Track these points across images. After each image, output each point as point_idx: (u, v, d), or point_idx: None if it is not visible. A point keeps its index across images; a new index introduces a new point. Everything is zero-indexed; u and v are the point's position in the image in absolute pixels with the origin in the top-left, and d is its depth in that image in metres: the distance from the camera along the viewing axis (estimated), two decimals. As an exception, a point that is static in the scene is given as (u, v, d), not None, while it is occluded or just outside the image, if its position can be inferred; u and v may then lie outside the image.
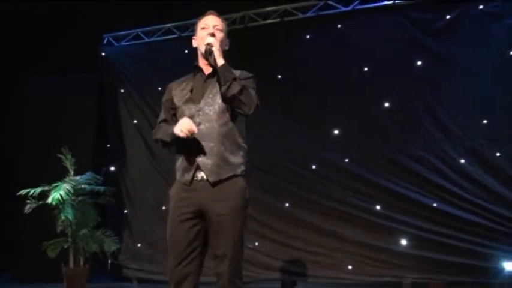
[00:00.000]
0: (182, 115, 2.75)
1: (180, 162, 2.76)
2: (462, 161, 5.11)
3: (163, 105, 2.92)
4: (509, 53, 5.00)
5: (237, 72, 2.79)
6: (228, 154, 2.67)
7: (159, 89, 6.03)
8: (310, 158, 5.59)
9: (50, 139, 6.18)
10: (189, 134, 2.58)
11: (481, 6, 5.12)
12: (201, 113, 2.70)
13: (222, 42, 2.80)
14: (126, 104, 6.56)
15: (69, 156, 5.65)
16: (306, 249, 5.48)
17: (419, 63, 5.32)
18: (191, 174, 2.68)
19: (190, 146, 2.66)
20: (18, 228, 6.20)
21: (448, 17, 5.23)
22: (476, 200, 5.00)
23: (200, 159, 2.66)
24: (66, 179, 5.55)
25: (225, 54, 2.82)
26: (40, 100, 6.55)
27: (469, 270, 4.88)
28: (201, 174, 2.66)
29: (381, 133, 5.40)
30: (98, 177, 5.81)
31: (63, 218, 5.40)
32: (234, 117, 2.69)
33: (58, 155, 5.65)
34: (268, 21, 5.95)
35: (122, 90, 6.59)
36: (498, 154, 4.99)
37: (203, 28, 2.82)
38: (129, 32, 6.59)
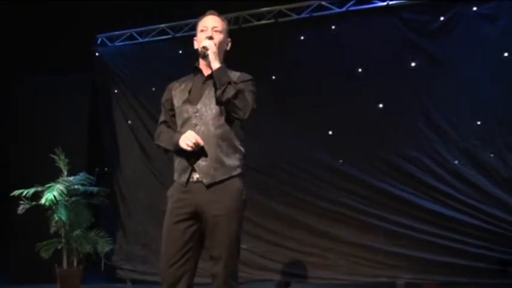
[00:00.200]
0: (180, 116, 2.75)
1: (177, 163, 2.76)
2: (455, 161, 5.13)
3: (163, 106, 2.92)
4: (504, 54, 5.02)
5: (237, 74, 2.79)
6: (224, 156, 2.67)
7: (153, 89, 6.04)
8: (305, 159, 5.60)
9: (43, 139, 6.16)
10: (194, 147, 2.58)
11: (475, 8, 5.13)
12: (198, 114, 2.70)
13: (221, 44, 2.79)
14: (120, 105, 6.54)
15: (62, 157, 5.63)
16: (301, 250, 5.48)
17: (413, 64, 5.34)
18: (187, 175, 2.68)
19: None
20: (11, 229, 6.17)
21: (442, 18, 5.24)
22: (470, 201, 5.02)
23: (196, 161, 2.66)
24: (60, 180, 5.52)
25: (226, 54, 2.83)
26: (33, 100, 6.52)
27: (462, 271, 4.91)
28: (196, 176, 2.67)
29: (374, 134, 5.41)
30: (91, 177, 5.79)
31: (56, 218, 5.38)
32: (230, 119, 2.68)
33: (51, 155, 5.63)
34: (263, 22, 5.95)
35: (116, 91, 6.57)
36: (491, 155, 5.01)
37: (202, 30, 2.81)
38: (123, 32, 6.56)
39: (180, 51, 5.70)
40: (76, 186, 5.62)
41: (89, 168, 6.03)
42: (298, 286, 5.43)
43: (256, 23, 5.98)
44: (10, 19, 6.15)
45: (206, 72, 2.79)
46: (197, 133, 2.65)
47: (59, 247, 5.50)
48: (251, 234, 5.51)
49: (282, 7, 5.83)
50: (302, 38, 5.79)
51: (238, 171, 2.71)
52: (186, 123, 2.72)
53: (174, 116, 2.84)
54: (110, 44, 6.68)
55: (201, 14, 2.90)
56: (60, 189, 5.35)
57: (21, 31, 6.25)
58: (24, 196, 5.34)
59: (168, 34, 6.37)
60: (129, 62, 6.57)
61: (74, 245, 5.54)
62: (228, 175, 2.66)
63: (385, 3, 5.46)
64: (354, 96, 5.49)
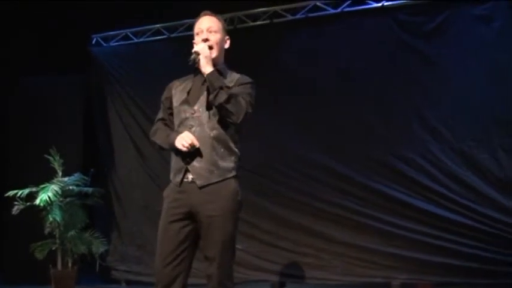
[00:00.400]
0: (178, 116, 2.76)
1: (173, 162, 2.77)
2: (450, 162, 5.13)
3: (162, 104, 2.92)
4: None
5: (236, 76, 2.79)
6: (219, 159, 2.66)
7: (148, 89, 6.03)
8: (300, 159, 5.60)
9: (38, 140, 6.14)
10: (190, 148, 2.58)
11: (470, 9, 5.15)
12: (194, 116, 2.70)
13: (218, 43, 2.79)
14: (115, 105, 6.52)
15: (57, 157, 5.62)
16: (296, 251, 5.49)
17: (408, 65, 5.35)
18: (181, 175, 2.68)
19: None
20: (5, 230, 6.14)
21: (437, 19, 5.25)
22: (464, 202, 5.03)
23: (190, 162, 2.66)
24: (54, 180, 5.51)
25: (226, 52, 2.83)
26: (28, 100, 6.49)
27: (456, 271, 4.92)
28: (191, 176, 2.67)
29: (369, 135, 5.41)
30: (86, 178, 5.77)
31: (51, 219, 5.36)
32: (226, 122, 2.68)
33: (46, 156, 5.61)
34: (258, 22, 5.95)
35: (111, 91, 6.56)
36: (486, 156, 5.02)
37: (197, 33, 2.81)
38: (118, 32, 6.55)
39: (175, 52, 5.69)
40: (71, 187, 5.61)
41: (84, 168, 6.01)
42: (294, 286, 5.43)
43: (251, 23, 5.98)
44: (5, 20, 6.13)
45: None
46: (193, 134, 2.65)
47: (54, 248, 5.48)
48: (246, 234, 5.50)
49: (277, 8, 5.83)
50: (297, 38, 5.79)
51: (233, 173, 2.71)
52: (183, 124, 2.73)
53: (172, 114, 2.84)
54: (104, 44, 6.67)
55: (197, 14, 2.89)
56: (55, 190, 5.33)
57: (14, 31, 6.23)
58: (19, 197, 5.32)
59: (163, 34, 6.36)
60: (124, 62, 6.56)
61: (69, 246, 5.52)
62: (222, 177, 2.66)
63: (380, 5, 5.47)
64: (348, 97, 5.50)
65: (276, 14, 5.87)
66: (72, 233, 5.54)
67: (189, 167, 2.66)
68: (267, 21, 5.90)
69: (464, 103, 5.11)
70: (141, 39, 6.48)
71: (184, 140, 2.61)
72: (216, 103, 2.61)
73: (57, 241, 5.48)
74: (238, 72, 2.90)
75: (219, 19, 2.88)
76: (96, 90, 6.66)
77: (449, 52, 5.20)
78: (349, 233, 5.35)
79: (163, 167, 5.75)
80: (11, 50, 6.25)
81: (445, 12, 5.22)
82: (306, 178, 5.56)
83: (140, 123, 6.31)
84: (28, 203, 5.31)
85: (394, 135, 5.34)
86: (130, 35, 6.52)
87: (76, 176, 5.70)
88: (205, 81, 2.73)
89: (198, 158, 2.65)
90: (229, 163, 2.70)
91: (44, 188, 5.35)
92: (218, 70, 2.78)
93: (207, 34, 2.78)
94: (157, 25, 6.34)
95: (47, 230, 5.48)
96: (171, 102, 2.85)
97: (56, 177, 5.58)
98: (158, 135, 2.85)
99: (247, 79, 2.82)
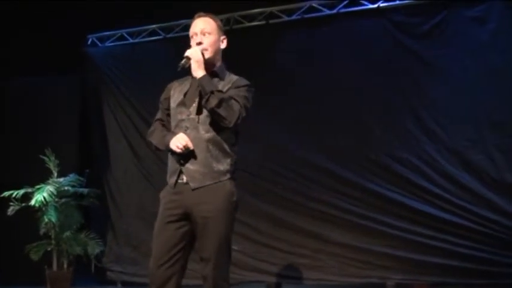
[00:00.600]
0: (174, 118, 2.76)
1: (169, 164, 2.77)
2: (445, 163, 5.14)
3: (160, 104, 2.93)
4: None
5: (234, 78, 2.79)
6: (214, 161, 2.66)
7: (144, 90, 6.03)
8: (295, 160, 5.60)
9: (33, 140, 6.13)
10: (184, 150, 2.58)
11: (465, 11, 5.16)
12: (190, 118, 2.70)
13: (213, 45, 2.78)
14: (110, 105, 6.51)
15: (52, 158, 5.61)
16: (291, 251, 5.48)
17: (403, 66, 5.35)
18: (175, 177, 2.68)
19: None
20: (0, 231, 6.12)
21: (432, 20, 5.26)
22: (459, 202, 5.03)
23: (184, 164, 2.65)
24: (50, 181, 5.51)
25: (222, 53, 2.83)
26: (23, 100, 6.48)
27: (452, 271, 4.93)
28: (185, 178, 2.67)
29: (365, 135, 5.42)
30: (81, 179, 5.77)
31: (46, 220, 5.36)
32: (220, 124, 2.67)
33: (41, 156, 5.60)
34: (254, 23, 5.95)
35: (106, 91, 6.55)
36: (481, 156, 5.03)
37: (192, 37, 2.81)
38: (113, 32, 6.54)
39: (171, 52, 5.67)
40: (66, 188, 5.60)
41: (79, 169, 6.00)
42: (290, 287, 5.44)
43: (247, 24, 5.98)
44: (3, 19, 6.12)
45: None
46: (188, 136, 2.65)
47: (49, 249, 5.48)
48: (242, 235, 5.50)
49: (273, 8, 5.83)
50: (293, 39, 5.80)
51: (228, 176, 2.70)
52: (179, 126, 2.73)
53: (169, 115, 2.84)
54: (100, 45, 6.66)
55: (193, 14, 2.89)
56: (50, 191, 5.33)
57: (10, 30, 6.20)
58: (14, 197, 5.32)
59: (159, 35, 6.35)
60: (120, 63, 6.55)
61: (64, 247, 5.51)
62: (216, 180, 2.65)
63: (375, 6, 5.48)
64: (344, 98, 5.50)
65: (272, 15, 5.87)
66: (67, 233, 5.53)
67: (184, 169, 2.66)
68: (263, 22, 5.90)
69: (459, 104, 5.12)
70: (136, 40, 6.47)
71: (178, 142, 2.61)
72: (208, 107, 2.60)
73: (53, 242, 5.47)
74: (234, 72, 2.90)
75: (214, 19, 2.86)
76: (91, 90, 6.65)
77: (445, 53, 5.21)
78: (345, 234, 5.35)
79: (158, 168, 5.77)
80: (5, 50, 6.21)
81: (441, 13, 5.23)
82: (302, 179, 5.56)
83: (136, 123, 6.30)
84: (23, 204, 5.30)
85: (390, 135, 5.34)
86: (126, 36, 6.51)
87: (71, 177, 5.69)
88: None
89: (192, 160, 2.65)
90: (224, 166, 2.69)
91: (39, 188, 5.35)
92: (214, 72, 2.78)
93: (201, 37, 2.77)
94: (153, 25, 6.33)
95: (42, 231, 5.47)
96: (169, 103, 2.84)
97: (51, 177, 5.57)
98: (155, 136, 2.85)
99: (244, 82, 2.81)
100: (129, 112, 6.38)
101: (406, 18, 5.39)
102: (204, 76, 2.65)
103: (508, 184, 4.90)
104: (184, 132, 2.67)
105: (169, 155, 2.78)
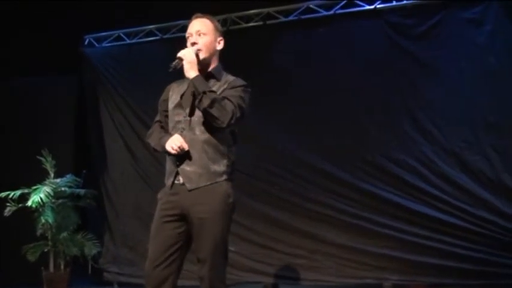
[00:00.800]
0: (171, 119, 2.77)
1: (167, 165, 2.77)
2: (442, 164, 5.15)
3: (159, 106, 2.94)
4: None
5: (230, 79, 2.79)
6: (210, 162, 2.66)
7: (141, 90, 6.03)
8: (292, 161, 5.60)
9: (30, 141, 6.11)
10: (179, 151, 2.59)
11: (461, 12, 5.17)
12: (186, 119, 2.70)
13: (207, 46, 2.78)
14: (107, 106, 6.50)
15: (49, 159, 5.61)
16: (288, 252, 5.49)
17: (400, 67, 5.36)
18: (172, 178, 2.69)
19: None
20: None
21: (429, 22, 5.27)
22: (456, 203, 5.04)
23: (181, 165, 2.66)
24: (47, 182, 5.50)
25: (220, 53, 2.82)
26: (19, 101, 6.46)
27: (449, 272, 4.94)
28: (181, 179, 2.67)
29: (361, 136, 5.43)
30: (78, 179, 5.76)
31: (43, 221, 5.35)
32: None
33: (38, 157, 5.59)
34: (251, 24, 5.96)
35: (103, 92, 6.54)
36: (478, 157, 5.04)
37: (188, 38, 2.82)
38: (110, 33, 6.53)
39: (168, 53, 5.65)
40: (63, 188, 5.60)
41: (76, 170, 5.99)
42: (286, 288, 5.45)
43: (244, 25, 5.97)
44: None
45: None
46: (184, 138, 2.65)
47: (46, 250, 5.47)
48: (239, 236, 5.50)
49: (270, 9, 5.83)
50: (290, 40, 5.80)
51: (225, 177, 2.70)
52: (175, 127, 2.74)
53: (167, 116, 2.84)
54: (97, 45, 6.65)
55: (190, 15, 2.89)
56: (47, 192, 5.32)
57: (7, 30, 6.19)
58: (11, 198, 5.30)
59: (156, 35, 6.35)
60: (117, 63, 6.53)
61: (61, 248, 5.51)
62: (212, 181, 2.66)
63: (372, 7, 5.49)
64: (341, 98, 5.50)
65: (269, 16, 5.87)
66: (64, 234, 5.52)
67: (180, 170, 2.66)
68: (260, 23, 5.90)
69: (456, 105, 5.13)
70: (133, 40, 6.46)
71: (173, 143, 2.62)
72: (201, 108, 2.61)
73: (50, 243, 5.46)
74: (231, 73, 2.90)
75: (210, 20, 2.87)
76: (88, 91, 6.63)
77: (441, 54, 5.22)
78: (342, 234, 5.36)
79: (155, 169, 5.77)
80: (1, 49, 6.20)
81: (437, 14, 5.24)
82: (299, 180, 5.57)
83: (132, 124, 6.29)
84: (20, 205, 5.29)
85: (386, 136, 5.35)
86: (123, 36, 6.50)
87: (68, 178, 5.69)
88: None
89: (188, 161, 2.65)
90: (221, 167, 2.69)
91: (36, 189, 5.34)
92: (210, 73, 2.78)
93: (196, 37, 2.78)
94: (150, 26, 6.32)
95: (39, 232, 5.46)
96: (167, 105, 2.85)
97: (48, 178, 5.57)
98: (153, 137, 2.86)
99: (240, 82, 2.81)
100: (126, 112, 6.37)
101: (403, 19, 5.39)
102: (196, 77, 2.65)
103: (504, 185, 4.91)
104: (181, 133, 2.67)
105: (167, 157, 2.78)
